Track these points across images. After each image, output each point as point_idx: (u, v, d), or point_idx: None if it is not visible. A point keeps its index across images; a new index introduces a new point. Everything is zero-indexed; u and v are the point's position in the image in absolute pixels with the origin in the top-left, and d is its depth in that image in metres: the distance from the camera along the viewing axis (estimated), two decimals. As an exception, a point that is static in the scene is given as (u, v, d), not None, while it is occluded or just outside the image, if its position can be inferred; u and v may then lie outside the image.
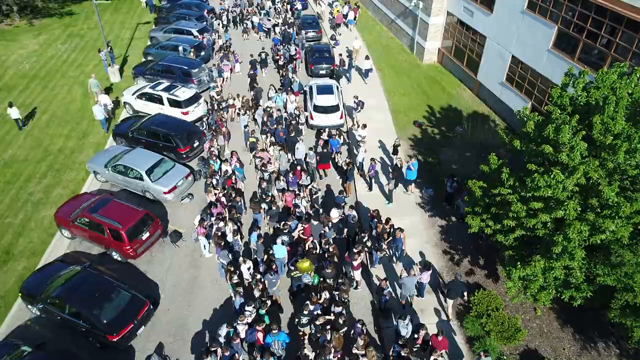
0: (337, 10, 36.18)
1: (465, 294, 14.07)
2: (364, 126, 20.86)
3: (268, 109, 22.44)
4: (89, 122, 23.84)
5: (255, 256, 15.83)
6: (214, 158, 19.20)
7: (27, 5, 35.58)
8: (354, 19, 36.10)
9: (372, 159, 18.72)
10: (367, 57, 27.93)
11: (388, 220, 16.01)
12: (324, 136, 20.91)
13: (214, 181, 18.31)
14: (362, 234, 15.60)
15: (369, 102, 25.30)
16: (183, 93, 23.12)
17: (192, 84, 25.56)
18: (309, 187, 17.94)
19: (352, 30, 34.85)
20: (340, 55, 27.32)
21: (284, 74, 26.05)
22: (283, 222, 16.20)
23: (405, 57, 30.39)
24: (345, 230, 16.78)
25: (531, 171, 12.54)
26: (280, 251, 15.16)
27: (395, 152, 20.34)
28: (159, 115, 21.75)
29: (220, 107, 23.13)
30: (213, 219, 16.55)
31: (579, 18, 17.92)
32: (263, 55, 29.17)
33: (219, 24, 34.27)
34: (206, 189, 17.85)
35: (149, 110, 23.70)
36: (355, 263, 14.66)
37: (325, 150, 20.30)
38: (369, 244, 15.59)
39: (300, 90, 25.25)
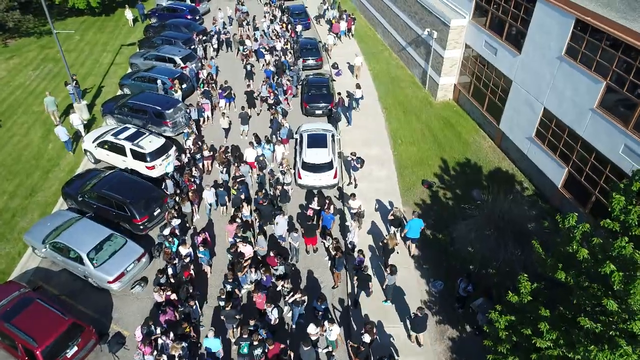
0: (334, 20, 33.26)
1: None
2: (353, 196, 17.03)
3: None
4: (42, 173, 20.48)
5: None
6: (171, 239, 15.57)
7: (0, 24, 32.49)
8: (348, 30, 32.94)
9: (361, 252, 14.96)
10: (358, 86, 24.40)
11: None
12: (314, 204, 17.20)
13: (170, 270, 14.74)
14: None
15: (371, 152, 21.58)
16: (149, 143, 19.58)
17: (166, 127, 22.06)
18: (282, 287, 14.25)
19: (350, 43, 32.46)
20: (340, 94, 23.52)
21: (273, 116, 22.36)
22: (247, 329, 12.62)
23: (415, 92, 26.48)
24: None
25: (582, 329, 8.69)
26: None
27: (393, 224, 16.67)
28: (114, 174, 18.19)
29: (190, 162, 19.50)
30: (158, 330, 12.97)
31: (637, 75, 13.90)
32: (249, 67, 26.43)
33: (207, 48, 30.74)
34: (156, 282, 14.29)
35: (110, 161, 20.31)
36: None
37: (313, 222, 16.64)
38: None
39: (289, 137, 21.56)
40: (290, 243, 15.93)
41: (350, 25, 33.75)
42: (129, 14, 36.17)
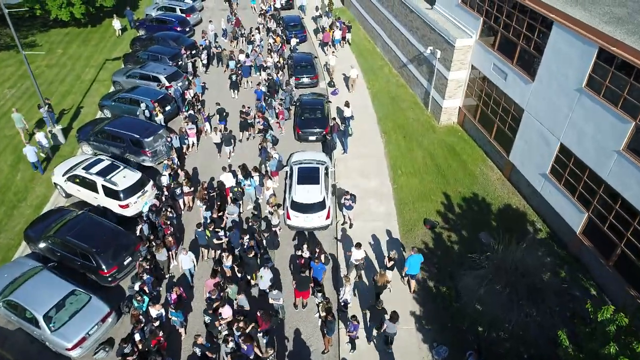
0: (328, 29, 31.99)
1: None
2: (358, 246, 15.15)
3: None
4: (7, 209, 18.71)
5: None
6: (140, 298, 13.74)
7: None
8: (343, 39, 31.54)
9: (354, 317, 13.13)
10: (347, 104, 22.72)
11: None
12: (305, 252, 15.36)
13: (137, 335, 12.90)
14: None
15: (369, 184, 19.79)
16: (123, 179, 17.75)
17: (145, 156, 20.24)
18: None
19: (346, 54, 30.96)
20: (335, 119, 21.65)
21: (261, 144, 20.50)
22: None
23: (417, 114, 24.59)
24: None
25: None
26: None
27: (391, 269, 14.97)
28: (80, 217, 16.31)
29: (167, 200, 17.66)
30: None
31: (673, 118, 12.05)
32: (234, 77, 25.35)
33: (197, 63, 28.93)
34: (119, 352, 12.47)
35: (82, 196, 18.51)
36: None
37: (306, 275, 14.81)
38: None
39: (279, 169, 19.73)
40: (272, 302, 14.07)
41: (345, 34, 32.09)
42: (116, 23, 34.46)
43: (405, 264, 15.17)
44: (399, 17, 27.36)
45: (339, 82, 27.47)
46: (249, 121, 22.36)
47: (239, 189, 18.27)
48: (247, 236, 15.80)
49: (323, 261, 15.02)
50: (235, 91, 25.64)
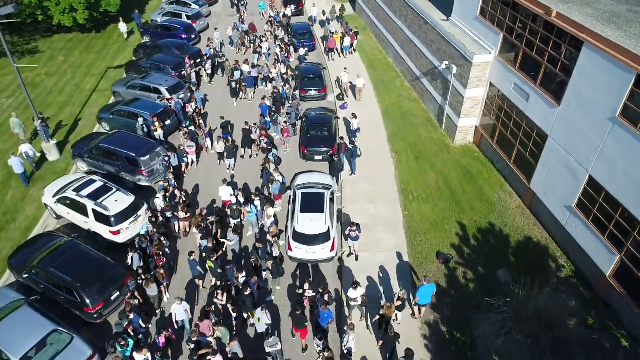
0: (334, 34, 31.21)
1: None
2: (356, 285, 13.86)
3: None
4: (-6, 232, 17.71)
5: None
6: (123, 342, 12.57)
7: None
8: (351, 46, 30.61)
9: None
10: (354, 116, 21.81)
11: None
12: (308, 290, 14.10)
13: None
14: None
15: (378, 211, 18.54)
16: (115, 203, 16.65)
17: (141, 176, 19.14)
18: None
19: (354, 61, 30.10)
20: (342, 138, 20.34)
21: (264, 165, 19.29)
22: None
23: (430, 132, 23.21)
24: None
25: None
26: None
27: (399, 309, 13.71)
28: (66, 246, 15.15)
29: (161, 227, 16.49)
30: None
31: None
32: (233, 84, 24.88)
33: (201, 72, 27.88)
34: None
35: (72, 219, 17.45)
36: None
37: (302, 313, 13.56)
38: None
39: (282, 192, 18.50)
40: (269, 351, 12.83)
41: (353, 41, 30.95)
42: (123, 27, 33.63)
43: (417, 293, 14.02)
44: (413, 27, 26.00)
45: (349, 95, 26.20)
46: (253, 138, 21.28)
47: (237, 208, 17.22)
48: (244, 272, 14.62)
49: (327, 300, 13.77)
50: (235, 99, 25.21)
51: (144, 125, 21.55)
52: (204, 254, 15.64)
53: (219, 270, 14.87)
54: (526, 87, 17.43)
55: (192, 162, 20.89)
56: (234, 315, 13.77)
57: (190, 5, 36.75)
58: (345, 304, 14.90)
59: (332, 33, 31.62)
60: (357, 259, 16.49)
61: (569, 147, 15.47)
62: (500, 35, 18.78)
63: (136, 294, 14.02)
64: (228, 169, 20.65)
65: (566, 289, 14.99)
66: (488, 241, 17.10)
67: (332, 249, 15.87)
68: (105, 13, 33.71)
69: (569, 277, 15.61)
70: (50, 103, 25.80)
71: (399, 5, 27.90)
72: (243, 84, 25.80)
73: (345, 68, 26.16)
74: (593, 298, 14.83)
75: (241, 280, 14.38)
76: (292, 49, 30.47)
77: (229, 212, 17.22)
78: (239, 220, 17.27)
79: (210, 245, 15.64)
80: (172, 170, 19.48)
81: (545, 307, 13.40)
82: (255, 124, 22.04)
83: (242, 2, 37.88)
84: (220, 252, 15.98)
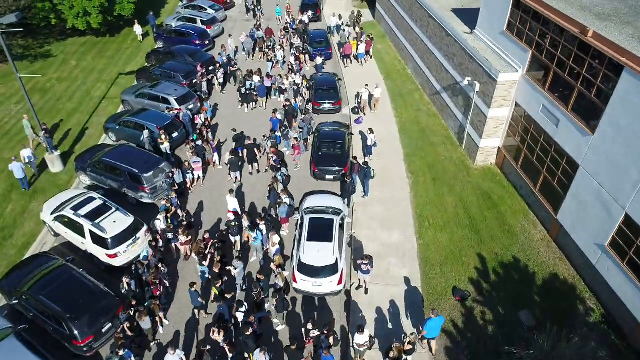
0: (351, 39, 30.45)
1: None
2: (361, 329, 12.72)
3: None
4: (-10, 249, 17.07)
5: None
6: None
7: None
8: (367, 53, 29.81)
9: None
10: (371, 130, 20.76)
11: None
12: (311, 330, 13.01)
13: None
14: None
15: (391, 238, 17.46)
16: (113, 224, 15.84)
17: (144, 193, 18.33)
18: None
19: (371, 69, 29.37)
20: (355, 158, 19.21)
21: (271, 185, 18.28)
22: None
23: (449, 151, 21.91)
24: None
25: None
26: None
27: (408, 353, 12.59)
28: (58, 271, 14.30)
29: (159, 252, 15.58)
30: None
31: None
32: (243, 89, 24.52)
33: (213, 81, 27.07)
34: None
35: (69, 238, 16.72)
36: None
37: (297, 349, 12.54)
38: None
39: (289, 215, 17.47)
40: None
41: (369, 48, 29.87)
42: (138, 29, 33.20)
43: (424, 327, 13.06)
44: (434, 39, 24.70)
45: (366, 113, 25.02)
46: (256, 153, 20.53)
47: (236, 224, 16.51)
48: (244, 306, 13.65)
49: (332, 343, 12.69)
50: (246, 105, 24.95)
51: (149, 138, 20.75)
52: (206, 281, 14.76)
53: (218, 304, 13.90)
54: (556, 111, 16.05)
55: (199, 177, 20.01)
56: (229, 355, 12.75)
57: (206, 9, 36.02)
58: (351, 345, 13.77)
59: (348, 38, 30.85)
60: (366, 293, 15.36)
61: (603, 181, 14.06)
62: (528, 53, 17.41)
63: (127, 326, 13.08)
64: (235, 181, 19.91)
65: (595, 337, 13.63)
66: (509, 277, 15.77)
67: (340, 282, 14.76)
68: (120, 17, 33.18)
69: (598, 323, 14.21)
70: (59, 110, 25.26)
71: (420, 15, 26.63)
72: (255, 93, 24.91)
73: (366, 85, 24.69)
74: (626, 347, 13.43)
75: (240, 316, 13.39)
76: (307, 57, 29.45)
77: (234, 249, 16.47)
78: (239, 236, 16.59)
79: (216, 270, 14.75)
80: (176, 188, 18.62)
81: (570, 351, 12.14)
82: (264, 137, 21.13)
83: (258, 8, 36.97)
84: (226, 279, 15.03)
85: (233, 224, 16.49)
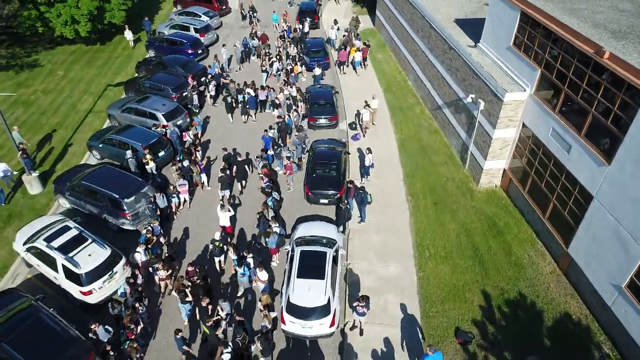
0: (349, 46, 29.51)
1: None
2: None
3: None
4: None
5: None
6: None
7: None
8: (364, 60, 29.03)
9: None
10: (369, 150, 19.45)
11: None
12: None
13: None
14: None
15: (388, 271, 16.24)
16: (88, 258, 14.66)
17: (125, 219, 17.16)
18: None
19: (368, 78, 28.60)
20: (351, 182, 18.00)
21: (260, 213, 17.06)
22: None
23: (451, 171, 20.68)
24: None
25: None
26: None
27: None
28: (26, 312, 13.04)
29: (136, 291, 14.34)
30: None
31: None
32: (229, 99, 23.90)
33: (204, 93, 25.90)
34: None
35: (43, 271, 15.53)
36: None
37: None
38: None
39: (279, 246, 16.27)
40: None
41: (365, 55, 28.78)
42: (129, 34, 32.09)
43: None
44: (436, 51, 23.48)
45: (360, 105, 23.68)
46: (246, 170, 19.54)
47: (220, 245, 15.67)
48: (230, 347, 12.47)
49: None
50: (231, 114, 24.37)
51: (134, 158, 19.58)
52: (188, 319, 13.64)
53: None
54: (567, 137, 14.81)
55: (185, 201, 18.84)
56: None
57: (200, 16, 34.85)
58: (344, 395, 12.60)
59: (346, 44, 29.86)
60: (361, 334, 14.15)
61: (621, 216, 12.83)
62: (537, 72, 16.19)
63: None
64: (221, 199, 18.74)
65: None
66: (516, 316, 14.54)
67: (332, 324, 13.56)
68: (111, 24, 32.02)
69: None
70: (42, 125, 24.12)
71: (421, 25, 25.41)
72: (247, 106, 23.79)
73: (367, 105, 22.86)
74: (646, 402, 12.21)
75: (226, 358, 12.21)
76: (304, 68, 28.26)
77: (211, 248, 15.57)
78: (223, 257, 15.98)
79: (204, 304, 13.64)
80: (159, 213, 17.45)
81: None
82: (257, 157, 20.03)
83: (254, 15, 35.78)
84: (216, 318, 13.82)
85: (218, 244, 15.55)
